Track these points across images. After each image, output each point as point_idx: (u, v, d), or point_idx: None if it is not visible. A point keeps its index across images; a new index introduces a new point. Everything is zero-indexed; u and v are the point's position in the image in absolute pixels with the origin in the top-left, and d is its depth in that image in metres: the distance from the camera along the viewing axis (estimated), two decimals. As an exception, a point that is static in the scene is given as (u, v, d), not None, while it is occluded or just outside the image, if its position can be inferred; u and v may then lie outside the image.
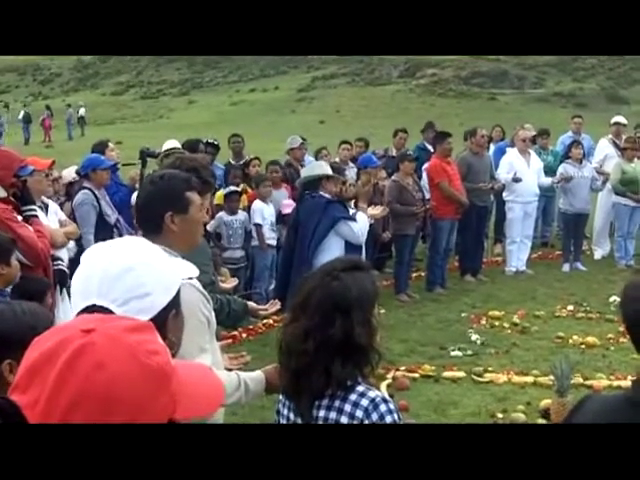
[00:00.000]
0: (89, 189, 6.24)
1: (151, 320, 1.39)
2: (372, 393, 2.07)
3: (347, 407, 2.06)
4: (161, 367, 1.09)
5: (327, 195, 6.56)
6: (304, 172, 7.08)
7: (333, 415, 2.07)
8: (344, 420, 2.04)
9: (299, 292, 2.18)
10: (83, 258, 1.50)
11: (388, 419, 2.03)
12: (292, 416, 2.19)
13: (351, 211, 6.68)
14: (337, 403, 2.07)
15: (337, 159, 9.18)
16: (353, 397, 2.06)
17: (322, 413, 2.09)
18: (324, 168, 6.77)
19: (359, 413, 2.04)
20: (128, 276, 1.41)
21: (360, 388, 2.08)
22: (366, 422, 2.02)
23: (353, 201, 6.96)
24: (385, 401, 2.06)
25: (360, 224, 6.46)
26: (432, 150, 10.08)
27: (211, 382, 1.26)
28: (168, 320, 1.46)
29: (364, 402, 2.05)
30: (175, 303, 1.48)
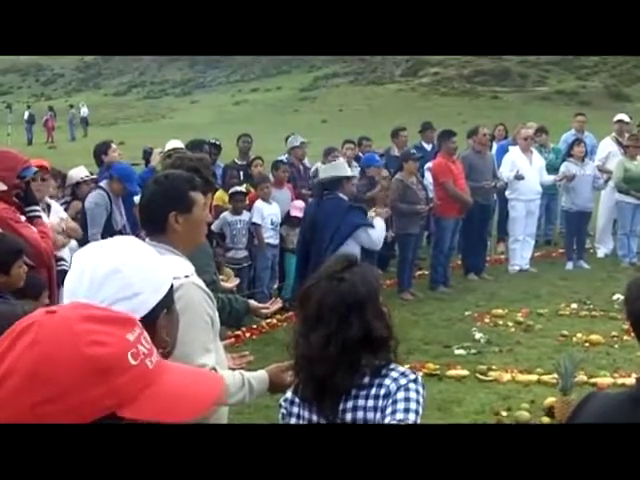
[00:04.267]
0: (105, 191, 6.15)
1: (142, 319, 1.40)
2: (400, 368, 2.17)
3: (373, 390, 2.13)
4: (98, 357, 1.07)
5: (346, 197, 6.49)
6: (324, 171, 6.93)
7: (361, 402, 2.12)
8: (370, 403, 2.11)
9: (307, 301, 2.20)
10: (74, 258, 1.52)
11: (411, 386, 2.11)
12: (315, 417, 2.21)
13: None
14: (364, 392, 2.14)
15: (341, 158, 9.16)
16: (377, 380, 2.14)
17: (350, 404, 2.13)
18: (345, 169, 6.67)
19: (387, 381, 2.11)
20: (116, 277, 1.44)
21: (383, 370, 2.16)
22: (393, 385, 2.09)
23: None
24: (413, 372, 2.17)
25: (378, 231, 6.42)
26: (429, 149, 10.16)
27: (201, 388, 1.23)
28: (159, 319, 1.47)
29: (394, 374, 2.14)
30: (166, 302, 1.50)
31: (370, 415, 2.10)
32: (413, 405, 2.08)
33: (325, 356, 2.10)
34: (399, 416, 2.06)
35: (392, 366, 2.16)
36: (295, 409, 2.27)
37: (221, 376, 2.50)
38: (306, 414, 2.23)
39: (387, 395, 2.09)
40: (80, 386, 1.05)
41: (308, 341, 2.16)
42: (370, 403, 2.11)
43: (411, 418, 2.07)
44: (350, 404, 2.13)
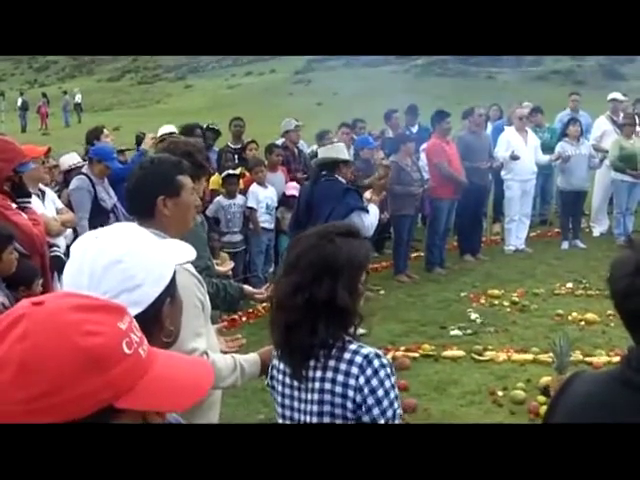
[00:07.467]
0: (85, 175, 6.26)
1: (146, 310, 1.38)
2: (365, 350, 2.16)
3: (342, 366, 2.14)
4: (93, 348, 1.03)
5: (343, 180, 6.47)
6: (322, 152, 6.87)
7: (329, 374, 2.14)
8: (340, 378, 2.13)
9: (294, 249, 2.26)
10: (72, 250, 1.47)
11: (382, 373, 2.12)
12: (287, 370, 2.26)
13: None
14: (332, 362, 2.15)
15: (341, 142, 9.12)
16: (347, 355, 2.15)
17: (319, 374, 2.16)
18: (343, 152, 6.62)
19: (354, 370, 2.12)
20: (117, 268, 1.39)
21: (353, 346, 2.17)
22: (361, 378, 2.10)
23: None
24: (378, 356, 2.16)
25: (371, 217, 6.41)
26: (414, 131, 10.25)
27: (195, 374, 1.21)
28: (163, 308, 1.44)
29: (358, 359, 2.13)
30: (169, 291, 1.45)
31: (338, 400, 2.12)
32: (392, 394, 2.13)
33: (291, 305, 2.16)
34: (389, 413, 2.11)
35: (353, 347, 2.15)
36: (275, 361, 2.34)
37: (209, 361, 2.52)
38: (281, 365, 2.29)
39: (360, 389, 2.10)
40: (76, 378, 1.01)
41: (281, 286, 2.24)
42: (338, 390, 2.12)
43: (396, 407, 2.13)
44: (317, 385, 2.15)
